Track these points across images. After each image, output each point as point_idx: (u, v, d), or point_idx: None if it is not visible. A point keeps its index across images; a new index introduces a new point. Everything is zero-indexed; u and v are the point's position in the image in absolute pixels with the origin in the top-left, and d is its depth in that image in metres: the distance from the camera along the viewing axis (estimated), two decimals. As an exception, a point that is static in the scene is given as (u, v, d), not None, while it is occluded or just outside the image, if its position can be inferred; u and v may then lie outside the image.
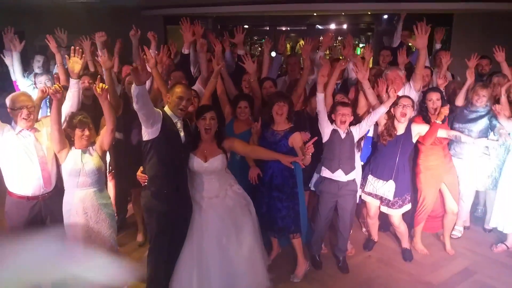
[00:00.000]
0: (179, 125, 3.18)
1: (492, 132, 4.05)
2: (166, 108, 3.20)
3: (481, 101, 4.04)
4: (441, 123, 3.82)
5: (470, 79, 4.13)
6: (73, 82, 3.25)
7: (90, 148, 3.26)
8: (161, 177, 3.15)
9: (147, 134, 3.07)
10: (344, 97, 4.06)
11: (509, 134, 3.89)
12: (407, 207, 3.99)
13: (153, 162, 3.12)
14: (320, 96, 3.70)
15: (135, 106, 2.88)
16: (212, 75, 3.80)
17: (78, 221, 3.21)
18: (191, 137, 3.32)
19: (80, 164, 3.18)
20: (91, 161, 3.22)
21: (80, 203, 3.20)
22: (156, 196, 3.17)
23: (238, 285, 3.37)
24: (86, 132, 3.18)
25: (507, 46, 4.51)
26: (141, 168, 3.24)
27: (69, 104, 3.29)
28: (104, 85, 3.03)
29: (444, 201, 4.16)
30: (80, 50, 3.24)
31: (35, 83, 4.62)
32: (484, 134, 4.09)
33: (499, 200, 4.15)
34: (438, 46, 5.30)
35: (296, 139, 3.57)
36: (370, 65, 5.06)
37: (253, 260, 3.46)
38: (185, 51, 4.75)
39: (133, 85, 2.78)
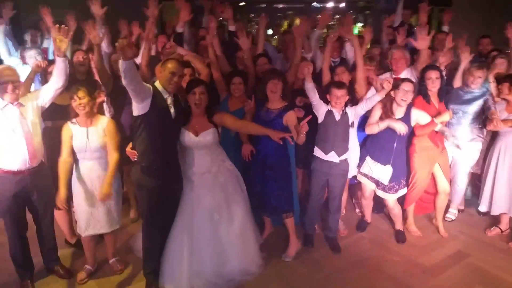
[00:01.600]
0: (169, 101, 3.13)
1: (485, 114, 3.97)
2: (157, 83, 3.14)
3: (476, 83, 3.97)
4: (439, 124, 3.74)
5: (464, 60, 4.03)
6: (59, 60, 3.16)
7: (99, 126, 3.26)
8: (151, 153, 3.12)
9: (137, 109, 3.03)
10: (345, 71, 3.94)
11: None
12: (403, 191, 3.95)
13: (142, 137, 3.09)
14: (309, 85, 3.59)
15: (123, 81, 2.82)
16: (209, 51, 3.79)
17: (85, 190, 3.31)
18: (182, 112, 3.28)
19: (86, 142, 3.22)
20: (97, 139, 3.24)
21: (87, 172, 3.30)
22: (146, 171, 3.15)
23: (229, 262, 3.36)
24: (77, 101, 3.16)
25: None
26: (130, 144, 3.21)
27: (55, 80, 3.22)
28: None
29: (436, 182, 4.11)
30: (66, 28, 3.13)
31: (23, 58, 4.57)
32: (479, 116, 4.03)
33: (488, 183, 4.11)
34: (446, 28, 5.17)
35: (291, 118, 3.50)
36: (368, 46, 4.97)
37: (245, 237, 3.46)
38: (179, 29, 4.62)
39: (120, 61, 2.72)
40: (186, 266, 3.28)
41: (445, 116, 3.72)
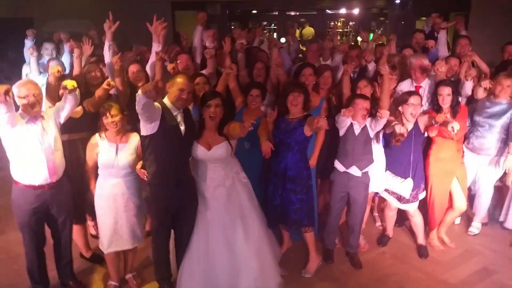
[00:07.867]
0: (179, 118, 3.07)
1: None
2: (166, 100, 3.07)
3: (505, 92, 3.82)
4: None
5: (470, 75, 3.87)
6: (68, 95, 3.10)
7: (130, 144, 3.24)
8: (161, 173, 3.07)
9: (145, 129, 2.97)
10: (368, 84, 3.80)
11: None
12: (422, 195, 3.86)
13: (152, 158, 3.04)
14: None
15: (138, 110, 2.80)
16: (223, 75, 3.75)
17: (108, 206, 3.26)
18: (193, 128, 3.22)
19: (114, 159, 3.18)
20: (125, 157, 3.20)
21: (112, 189, 3.24)
22: (156, 191, 3.12)
23: (245, 278, 3.28)
24: (109, 119, 3.13)
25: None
26: (140, 163, 3.17)
27: (68, 107, 3.18)
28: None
29: (453, 198, 3.95)
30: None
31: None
32: (506, 129, 3.87)
33: (509, 196, 4.02)
34: (464, 33, 5.10)
35: (309, 121, 3.39)
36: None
37: (261, 252, 3.38)
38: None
39: (141, 94, 2.70)
40: (201, 283, 3.24)
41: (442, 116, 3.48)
